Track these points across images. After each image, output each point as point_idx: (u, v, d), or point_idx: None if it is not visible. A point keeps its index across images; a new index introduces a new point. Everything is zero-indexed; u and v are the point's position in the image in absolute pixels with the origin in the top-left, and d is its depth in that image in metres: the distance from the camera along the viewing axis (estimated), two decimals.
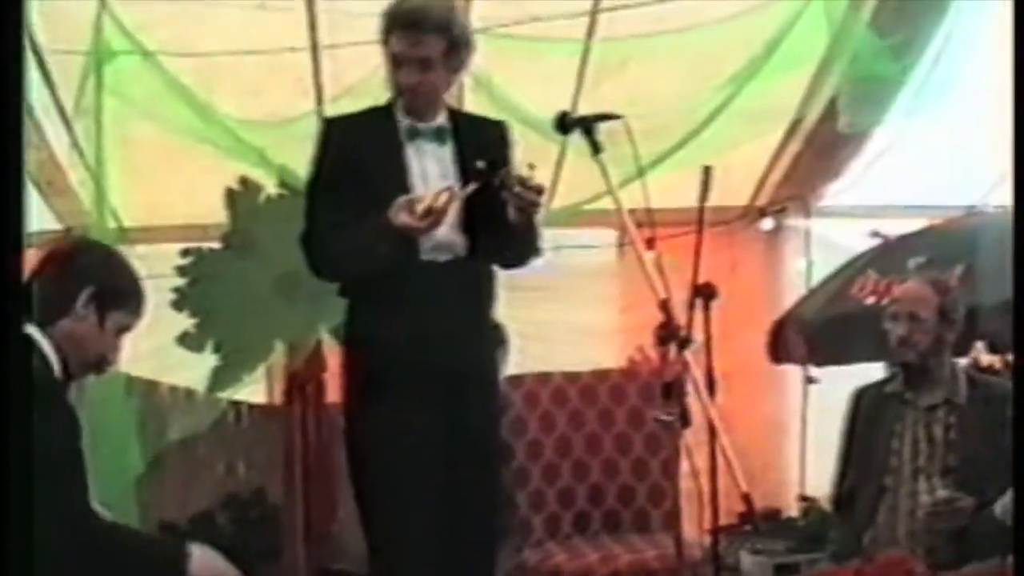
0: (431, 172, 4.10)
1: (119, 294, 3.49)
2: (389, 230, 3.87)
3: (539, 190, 3.94)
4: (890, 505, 4.64)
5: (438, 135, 4.14)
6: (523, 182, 3.91)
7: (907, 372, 4.71)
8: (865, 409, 4.80)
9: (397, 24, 4.05)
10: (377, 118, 4.17)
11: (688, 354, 3.61)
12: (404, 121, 4.12)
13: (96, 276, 3.46)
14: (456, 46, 4.09)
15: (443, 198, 3.88)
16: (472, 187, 3.94)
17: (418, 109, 4.12)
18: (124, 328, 3.50)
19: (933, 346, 4.64)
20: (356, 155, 4.07)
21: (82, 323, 3.41)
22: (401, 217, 3.87)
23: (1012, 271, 3.29)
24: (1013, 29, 3.44)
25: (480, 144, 4.13)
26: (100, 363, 3.51)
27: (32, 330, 3.34)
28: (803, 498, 6.49)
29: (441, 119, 4.16)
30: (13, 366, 2.92)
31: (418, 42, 4.03)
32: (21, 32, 3.25)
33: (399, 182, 4.03)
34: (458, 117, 4.24)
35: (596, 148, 3.72)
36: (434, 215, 3.88)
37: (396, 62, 4.07)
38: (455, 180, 4.04)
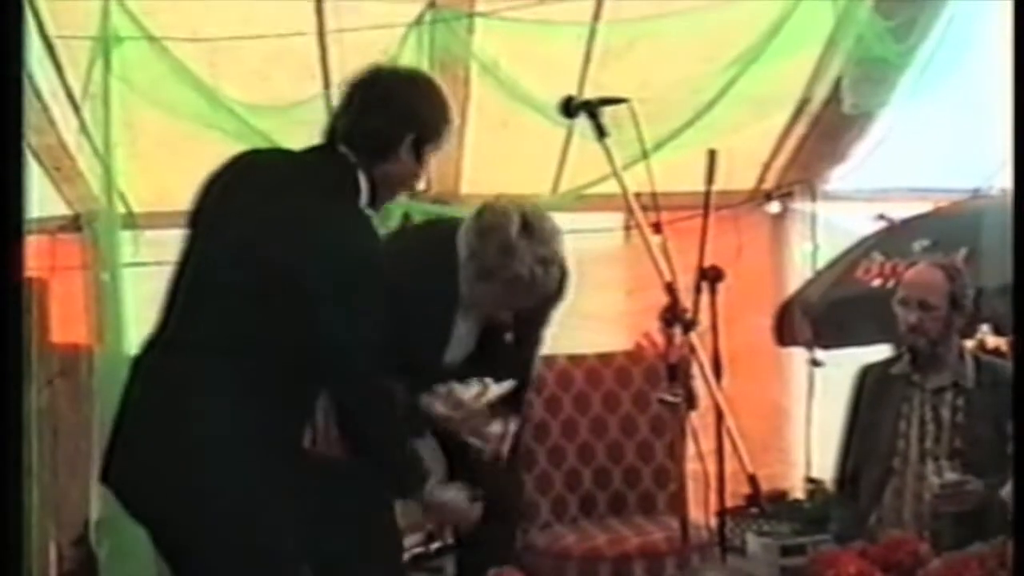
0: (461, 328, 4.16)
1: (435, 131, 3.57)
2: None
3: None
4: (896, 487, 4.65)
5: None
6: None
7: (914, 354, 4.71)
8: (870, 389, 4.81)
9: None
10: (447, 276, 4.10)
11: (694, 336, 3.62)
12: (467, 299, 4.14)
13: (418, 121, 3.54)
14: None
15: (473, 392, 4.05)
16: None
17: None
18: (432, 153, 3.59)
19: (943, 332, 4.65)
20: (418, 300, 3.90)
21: (402, 166, 3.53)
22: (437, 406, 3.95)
23: (1012, 257, 3.30)
24: (1014, 15, 3.44)
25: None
26: (409, 188, 3.67)
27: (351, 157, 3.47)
28: (809, 480, 6.49)
29: None
30: (13, 363, 2.93)
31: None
32: (22, 18, 3.27)
33: (437, 351, 4.11)
34: None
35: (601, 132, 3.71)
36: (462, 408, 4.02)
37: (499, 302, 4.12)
38: (474, 334, 4.18)
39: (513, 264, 3.96)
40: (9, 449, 2.97)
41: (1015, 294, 3.45)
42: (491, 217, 4.03)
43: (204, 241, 3.52)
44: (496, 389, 4.06)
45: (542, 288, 4.03)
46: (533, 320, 4.26)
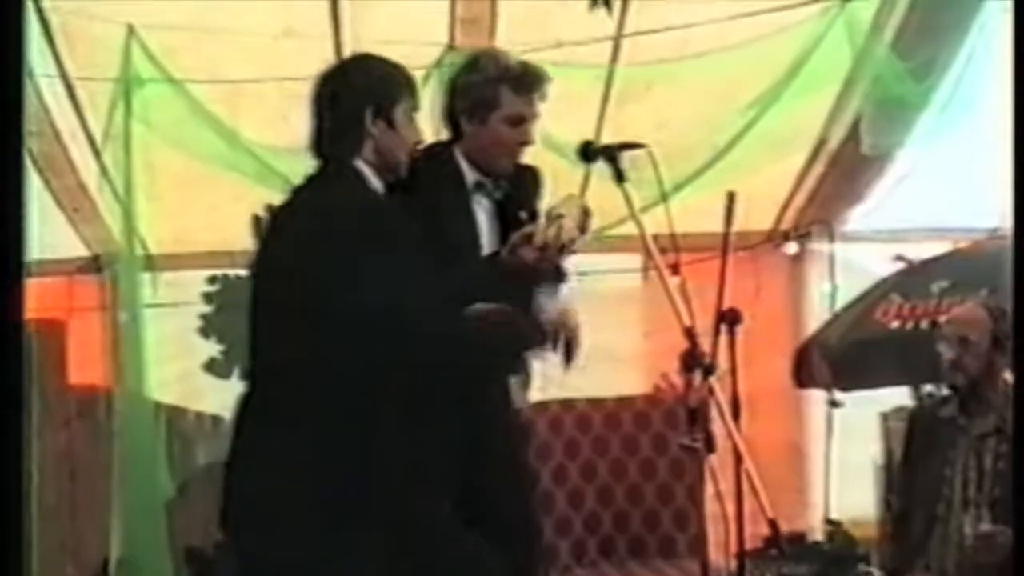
0: (484, 225, 4.10)
1: (389, 92, 3.60)
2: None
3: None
4: (942, 535, 4.59)
5: (494, 187, 4.15)
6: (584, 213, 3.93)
7: (961, 396, 4.67)
8: (920, 433, 4.77)
9: (523, 86, 4.05)
10: (443, 164, 4.09)
11: (714, 380, 3.61)
12: (471, 174, 4.10)
13: (365, 91, 3.59)
14: None
15: (552, 231, 3.88)
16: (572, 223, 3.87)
17: (499, 165, 4.12)
18: (412, 109, 3.63)
19: (984, 370, 4.61)
20: (428, 204, 3.95)
21: (382, 139, 3.57)
22: (524, 252, 3.79)
23: (1012, 292, 3.29)
24: (1013, 45, 3.45)
25: (517, 191, 4.15)
26: (414, 147, 3.66)
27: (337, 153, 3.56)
28: (828, 521, 6.46)
29: None
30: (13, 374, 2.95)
31: (540, 100, 4.08)
32: (21, 56, 3.33)
33: (471, 238, 4.03)
34: None
35: (620, 176, 3.71)
36: (549, 248, 3.88)
37: (512, 123, 4.05)
38: (496, 231, 4.06)
39: (493, 68, 4.05)
40: (11, 487, 2.99)
41: (1015, 316, 3.43)
42: (456, 68, 4.23)
43: (263, 294, 3.57)
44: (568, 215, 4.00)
45: (536, 76, 4.07)
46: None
